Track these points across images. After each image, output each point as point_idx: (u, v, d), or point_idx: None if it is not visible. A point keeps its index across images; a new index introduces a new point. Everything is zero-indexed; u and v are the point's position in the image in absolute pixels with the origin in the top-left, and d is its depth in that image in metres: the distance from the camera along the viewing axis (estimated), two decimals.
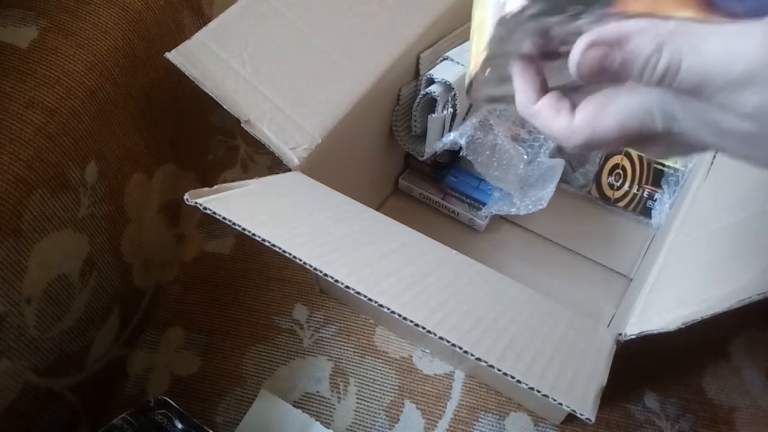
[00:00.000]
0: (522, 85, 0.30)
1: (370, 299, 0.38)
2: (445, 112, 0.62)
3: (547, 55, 0.30)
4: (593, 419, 0.35)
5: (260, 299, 0.64)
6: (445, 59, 0.64)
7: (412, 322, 0.37)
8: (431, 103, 0.63)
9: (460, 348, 0.36)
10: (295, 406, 0.57)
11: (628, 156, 0.69)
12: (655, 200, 0.67)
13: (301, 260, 0.40)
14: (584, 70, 0.25)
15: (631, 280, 0.65)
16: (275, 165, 0.62)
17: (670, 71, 0.24)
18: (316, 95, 0.56)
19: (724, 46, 0.22)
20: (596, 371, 0.39)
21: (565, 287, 0.65)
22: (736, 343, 0.60)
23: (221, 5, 0.58)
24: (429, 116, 0.63)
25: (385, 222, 0.50)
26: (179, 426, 0.51)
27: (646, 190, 0.68)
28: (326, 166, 0.56)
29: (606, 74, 0.25)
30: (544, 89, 0.30)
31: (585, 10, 0.23)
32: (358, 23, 0.61)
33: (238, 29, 0.55)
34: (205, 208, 0.42)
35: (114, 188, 0.57)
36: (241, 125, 0.53)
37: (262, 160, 0.76)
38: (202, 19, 0.66)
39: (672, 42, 0.23)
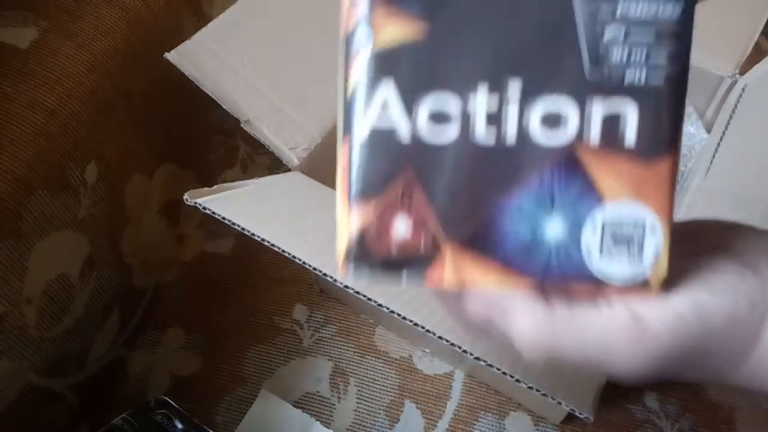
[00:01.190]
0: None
1: (369, 299, 0.38)
2: None
3: None
4: (593, 418, 0.35)
5: (260, 299, 0.64)
6: None
7: (411, 321, 0.37)
8: None
9: (460, 347, 0.36)
10: (295, 406, 0.57)
11: None
12: None
13: (301, 260, 0.40)
14: (473, 321, 0.26)
15: None
16: (275, 165, 0.62)
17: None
18: (315, 95, 0.56)
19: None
20: (596, 370, 0.39)
21: None
22: None
23: (221, 5, 0.58)
24: None
25: None
26: (179, 426, 0.51)
27: None
28: (326, 166, 0.56)
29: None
30: None
31: (409, 272, 0.25)
32: None
33: (238, 29, 0.55)
34: (205, 208, 0.42)
35: (114, 188, 0.57)
36: (241, 125, 0.53)
37: (262, 160, 0.76)
38: (202, 19, 0.66)
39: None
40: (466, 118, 0.23)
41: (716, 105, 0.67)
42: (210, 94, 0.52)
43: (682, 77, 0.23)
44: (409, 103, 0.23)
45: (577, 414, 0.36)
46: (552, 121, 0.23)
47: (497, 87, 0.23)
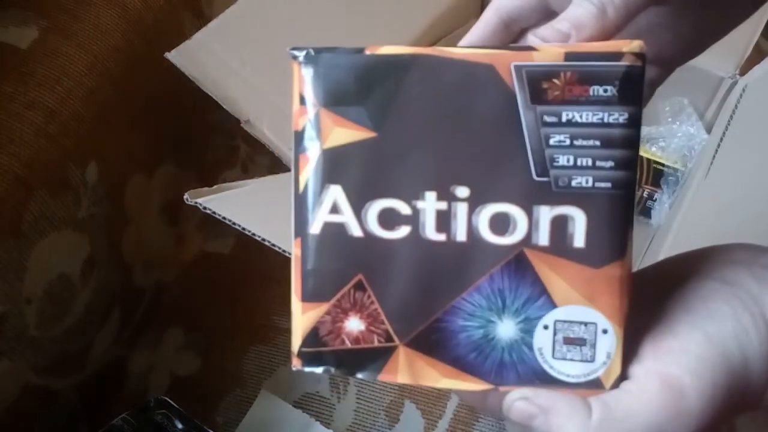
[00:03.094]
0: None
1: None
2: None
3: None
4: None
5: (260, 299, 0.64)
6: None
7: None
8: None
9: None
10: (295, 406, 0.57)
11: None
12: (655, 200, 0.67)
13: None
14: (513, 416, 0.25)
15: None
16: (275, 165, 0.63)
17: None
18: None
19: None
20: None
21: None
22: None
23: (221, 5, 0.58)
24: None
25: None
26: (179, 426, 0.51)
27: (646, 190, 0.68)
28: None
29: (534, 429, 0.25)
30: None
31: (363, 371, 0.25)
32: (358, 23, 0.61)
33: (238, 29, 0.55)
34: (205, 208, 0.42)
35: (114, 188, 0.57)
36: (241, 125, 0.53)
37: (262, 161, 0.76)
38: (202, 19, 0.66)
39: None
40: (416, 216, 0.23)
41: (716, 105, 0.67)
42: (210, 94, 0.52)
43: (630, 182, 0.23)
44: (358, 208, 0.24)
45: None
46: (501, 222, 0.23)
47: (445, 196, 0.23)
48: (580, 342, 0.23)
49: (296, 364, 0.25)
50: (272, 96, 0.54)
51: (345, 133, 0.24)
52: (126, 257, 0.60)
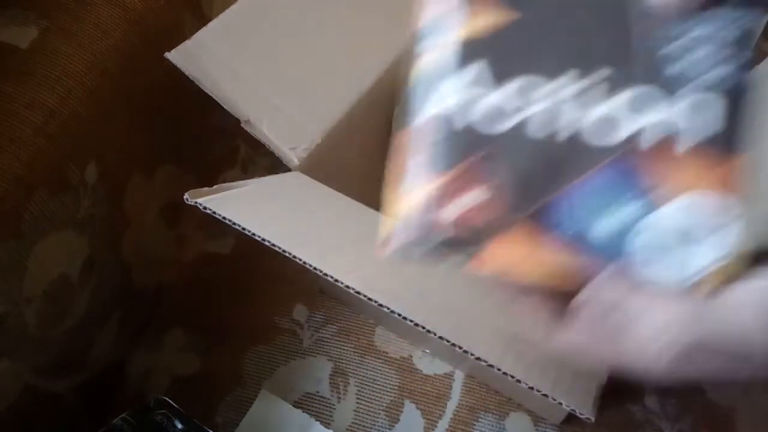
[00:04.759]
0: None
1: (370, 299, 0.38)
2: None
3: None
4: (593, 419, 0.35)
5: (260, 299, 0.64)
6: None
7: (412, 322, 0.37)
8: None
9: (460, 348, 0.36)
10: (295, 406, 0.57)
11: None
12: None
13: (301, 260, 0.40)
14: (593, 307, 0.25)
15: None
16: (275, 165, 0.63)
17: None
18: (316, 95, 0.56)
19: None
20: (596, 370, 0.39)
21: None
22: None
23: (221, 5, 0.58)
24: None
25: None
26: (179, 426, 0.51)
27: None
28: (326, 166, 0.56)
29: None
30: None
31: (452, 258, 0.25)
32: (358, 22, 0.61)
33: (238, 29, 0.55)
34: (205, 208, 0.42)
35: (114, 188, 0.57)
36: (241, 125, 0.53)
37: (262, 161, 0.76)
38: (202, 19, 0.66)
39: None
40: (545, 103, 0.24)
41: None
42: (210, 94, 0.52)
43: (746, 86, 0.24)
44: (500, 82, 0.24)
45: (577, 414, 0.36)
46: (631, 110, 0.23)
47: (585, 74, 0.24)
48: (678, 245, 0.23)
49: (388, 248, 0.25)
50: (272, 96, 0.54)
51: (492, 12, 0.25)
52: (126, 257, 0.60)
